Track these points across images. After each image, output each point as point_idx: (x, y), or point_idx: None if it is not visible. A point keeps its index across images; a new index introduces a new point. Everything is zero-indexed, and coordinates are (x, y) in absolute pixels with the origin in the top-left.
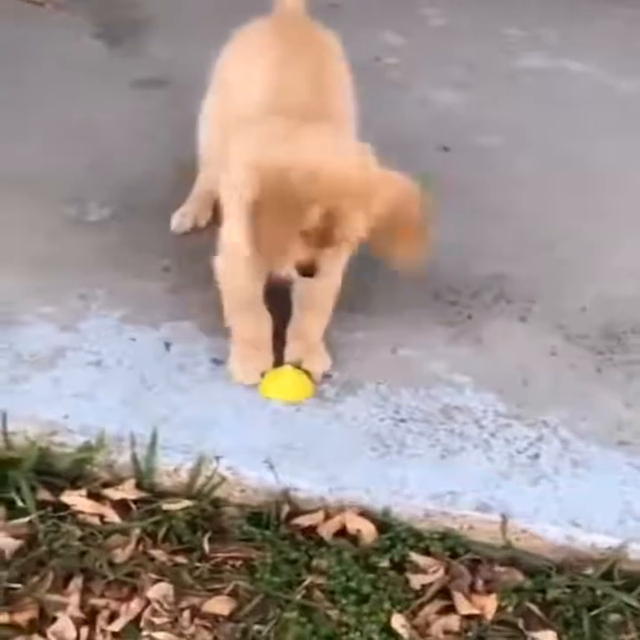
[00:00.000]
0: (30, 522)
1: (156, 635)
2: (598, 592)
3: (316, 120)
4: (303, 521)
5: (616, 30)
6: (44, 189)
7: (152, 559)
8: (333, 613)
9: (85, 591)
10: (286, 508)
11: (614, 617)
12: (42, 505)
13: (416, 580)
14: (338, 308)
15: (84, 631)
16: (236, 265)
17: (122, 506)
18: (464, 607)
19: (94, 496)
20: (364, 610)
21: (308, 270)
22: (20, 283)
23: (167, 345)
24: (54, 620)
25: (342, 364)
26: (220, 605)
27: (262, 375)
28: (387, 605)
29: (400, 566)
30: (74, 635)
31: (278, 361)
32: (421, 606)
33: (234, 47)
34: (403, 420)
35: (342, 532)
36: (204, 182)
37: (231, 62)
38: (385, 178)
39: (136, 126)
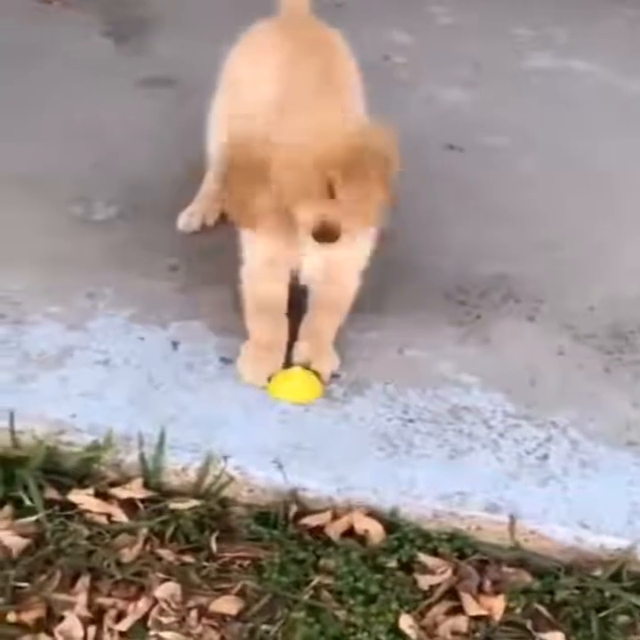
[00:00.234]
0: (38, 521)
1: (164, 634)
2: (607, 593)
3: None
4: (311, 521)
5: (623, 30)
6: (51, 188)
7: (159, 558)
8: (341, 614)
9: (93, 590)
10: (294, 508)
11: (623, 618)
12: (49, 504)
13: (424, 581)
14: None
15: (92, 630)
16: (259, 268)
17: (129, 505)
18: (472, 608)
19: (102, 495)
20: (371, 610)
21: (324, 233)
22: (28, 282)
23: (175, 344)
24: (62, 619)
25: (350, 364)
26: (227, 605)
27: (269, 379)
28: (394, 606)
29: (408, 567)
30: (81, 634)
31: (287, 359)
32: (429, 607)
33: (243, 47)
34: (411, 421)
35: (350, 533)
36: (212, 181)
37: (240, 62)
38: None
39: (143, 125)
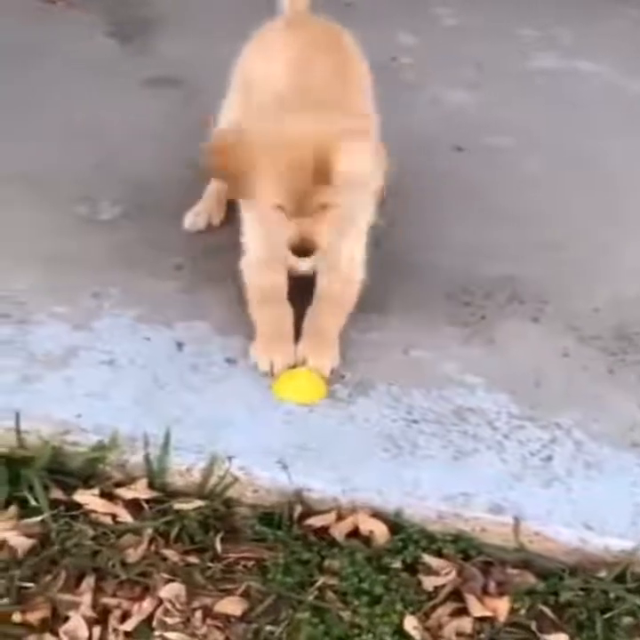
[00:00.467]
0: (43, 521)
1: (168, 634)
2: (611, 595)
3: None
4: (316, 521)
5: (627, 31)
6: (56, 188)
7: (164, 559)
8: (346, 614)
9: (98, 590)
10: (299, 509)
11: (627, 620)
12: (54, 504)
13: (428, 582)
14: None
15: (97, 630)
16: (256, 261)
17: (134, 505)
18: (476, 609)
19: (107, 495)
20: (376, 611)
21: (299, 249)
22: (33, 282)
23: (180, 345)
24: (66, 619)
25: (355, 365)
26: (232, 606)
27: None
28: (399, 607)
29: (412, 568)
30: (86, 634)
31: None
32: (434, 608)
33: (255, 46)
34: (415, 421)
35: (355, 533)
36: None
37: (253, 61)
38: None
39: (148, 125)
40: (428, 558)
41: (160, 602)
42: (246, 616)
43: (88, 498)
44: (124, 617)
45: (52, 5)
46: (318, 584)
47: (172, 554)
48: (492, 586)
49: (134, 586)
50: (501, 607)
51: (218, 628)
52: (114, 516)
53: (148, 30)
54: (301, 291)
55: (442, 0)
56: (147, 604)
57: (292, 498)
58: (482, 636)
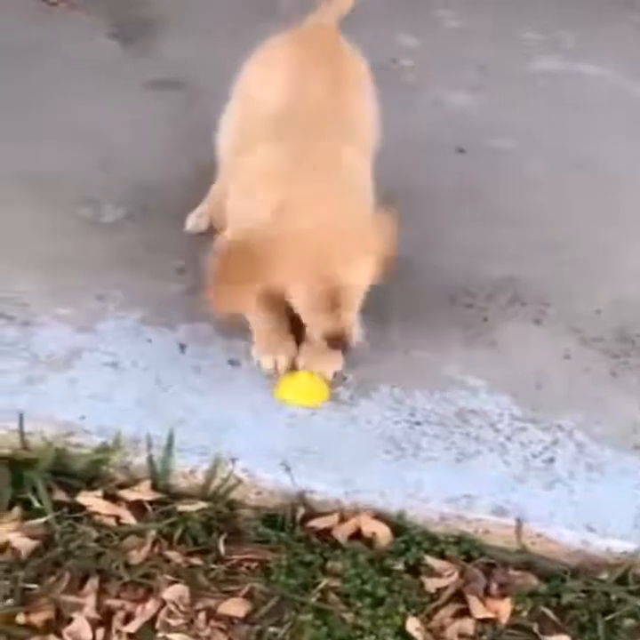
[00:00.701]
0: (46, 522)
1: (172, 636)
2: (613, 597)
3: (336, 133)
4: (318, 523)
5: (630, 34)
6: (59, 190)
7: (168, 560)
8: (348, 616)
9: (101, 592)
10: (302, 511)
11: (629, 622)
12: (58, 506)
13: (431, 584)
14: None
15: (100, 632)
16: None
17: (137, 507)
18: (479, 611)
19: (110, 497)
20: (379, 613)
21: (335, 339)
22: (36, 284)
23: (182, 346)
24: (70, 620)
25: (357, 367)
26: (235, 607)
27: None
28: (402, 608)
29: (415, 569)
30: (90, 636)
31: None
32: (436, 610)
33: (255, 62)
34: (418, 423)
35: (357, 535)
36: (221, 183)
37: (252, 78)
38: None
39: (150, 127)
40: (430, 560)
41: (163, 603)
42: (249, 617)
43: (91, 499)
44: (128, 618)
45: (54, 7)
46: (321, 586)
47: (175, 555)
48: (494, 587)
49: (138, 587)
50: (503, 609)
51: (221, 629)
52: (117, 518)
53: (150, 32)
54: None
55: (444, 2)
56: (150, 606)
57: (295, 500)
58: (484, 637)
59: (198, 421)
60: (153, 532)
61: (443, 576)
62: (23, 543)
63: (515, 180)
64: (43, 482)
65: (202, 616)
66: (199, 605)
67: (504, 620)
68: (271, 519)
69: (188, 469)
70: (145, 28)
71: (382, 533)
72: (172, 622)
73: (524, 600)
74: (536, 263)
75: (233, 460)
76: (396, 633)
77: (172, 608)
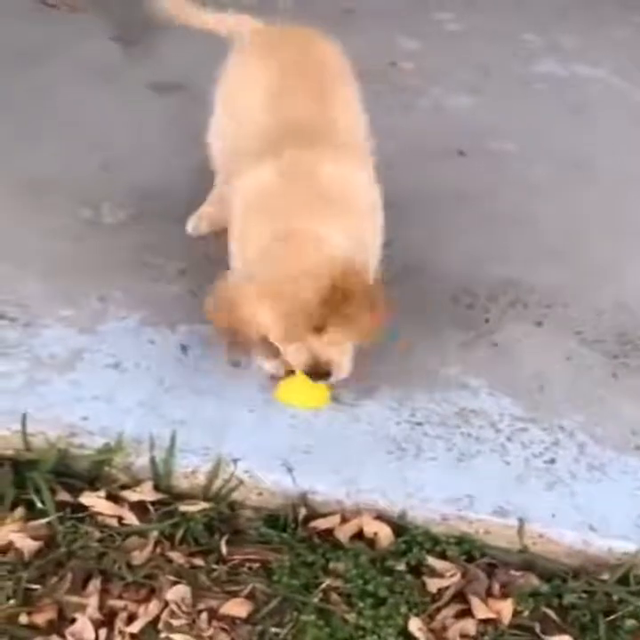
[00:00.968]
0: (49, 523)
1: (174, 636)
2: (614, 597)
3: (322, 143)
4: (320, 524)
5: (631, 37)
6: (60, 192)
7: (170, 561)
8: (350, 617)
9: (104, 592)
10: (303, 511)
11: (630, 622)
12: (61, 506)
13: (433, 584)
14: None
15: (103, 632)
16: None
17: (140, 508)
18: (480, 611)
19: (113, 498)
20: (380, 613)
21: (317, 372)
22: (39, 286)
23: (184, 348)
24: (73, 621)
25: (358, 368)
26: (237, 608)
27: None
28: (403, 609)
29: (417, 570)
30: (92, 636)
31: None
32: (438, 610)
33: (233, 64)
34: (419, 424)
35: (359, 536)
36: (221, 184)
37: (231, 81)
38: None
39: (152, 129)
40: (432, 560)
41: (166, 604)
42: (251, 618)
43: (94, 500)
44: (131, 619)
45: (54, 8)
46: (323, 586)
47: (177, 556)
48: (495, 588)
49: (140, 588)
50: (505, 609)
51: (223, 629)
52: (120, 519)
53: (152, 34)
54: None
55: (444, 5)
56: (153, 606)
57: (297, 500)
58: (485, 637)
59: (200, 422)
60: (155, 533)
61: (444, 576)
62: (26, 544)
63: (515, 181)
64: (45, 483)
65: (204, 616)
66: (201, 606)
67: (506, 620)
68: (273, 520)
69: (189, 470)
70: (146, 30)
71: (384, 534)
72: (175, 623)
73: (526, 600)
74: (537, 265)
75: (235, 461)
76: (397, 633)
77: (175, 608)
